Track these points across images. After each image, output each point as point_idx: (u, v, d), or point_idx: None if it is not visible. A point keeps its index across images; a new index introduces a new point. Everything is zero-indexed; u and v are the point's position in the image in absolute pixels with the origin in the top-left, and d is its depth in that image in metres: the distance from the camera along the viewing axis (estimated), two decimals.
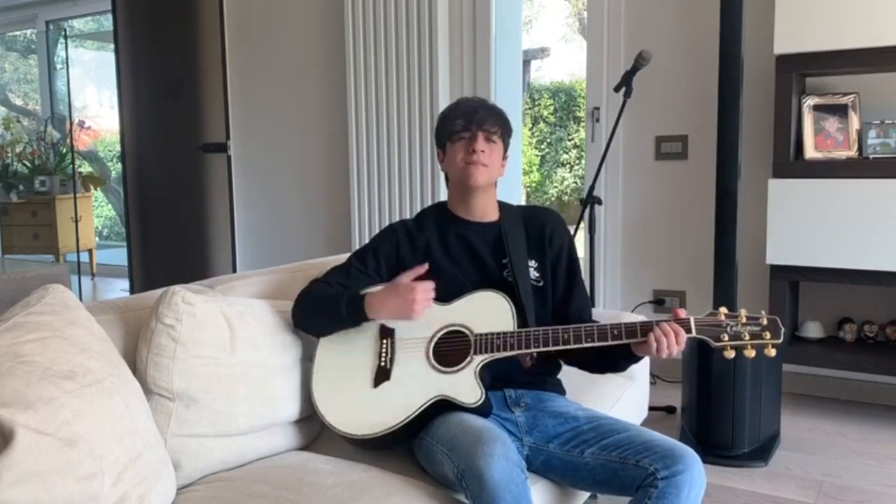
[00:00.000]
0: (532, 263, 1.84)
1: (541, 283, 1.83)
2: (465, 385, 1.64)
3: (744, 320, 1.61)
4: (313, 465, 1.65)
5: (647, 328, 1.61)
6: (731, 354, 1.61)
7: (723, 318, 1.62)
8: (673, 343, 1.59)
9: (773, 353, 1.59)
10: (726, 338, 1.60)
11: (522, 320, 1.75)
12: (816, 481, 2.51)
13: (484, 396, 1.62)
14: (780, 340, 1.59)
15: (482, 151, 1.77)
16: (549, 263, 1.85)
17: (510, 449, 1.48)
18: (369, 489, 1.50)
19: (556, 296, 1.86)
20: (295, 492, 1.49)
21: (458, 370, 1.66)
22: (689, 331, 1.61)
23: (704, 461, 2.60)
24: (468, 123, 1.78)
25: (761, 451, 2.67)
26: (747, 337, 1.60)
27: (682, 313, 1.63)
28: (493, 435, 1.50)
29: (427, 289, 1.68)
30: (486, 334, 1.67)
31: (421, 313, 1.67)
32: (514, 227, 1.85)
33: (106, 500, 1.27)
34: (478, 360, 1.66)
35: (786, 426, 2.93)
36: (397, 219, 2.56)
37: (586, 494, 1.80)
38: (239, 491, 1.52)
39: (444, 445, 1.55)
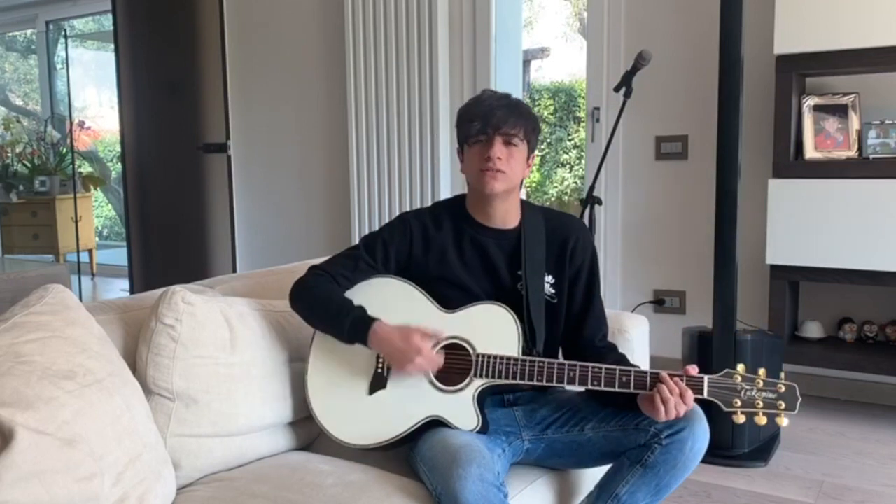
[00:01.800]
0: (549, 279, 1.74)
1: (555, 301, 1.74)
2: (462, 410, 1.60)
3: (760, 385, 1.53)
4: (313, 465, 1.65)
5: (657, 381, 1.53)
6: (740, 420, 1.54)
7: (738, 379, 1.54)
8: (681, 405, 1.51)
9: (783, 422, 1.53)
10: (738, 403, 1.53)
11: (531, 338, 1.69)
12: (816, 481, 2.51)
13: (480, 424, 1.59)
14: (795, 412, 1.52)
15: (499, 158, 1.64)
16: (566, 280, 1.75)
17: (486, 469, 1.45)
18: (369, 489, 1.50)
19: (571, 314, 1.76)
20: (295, 492, 1.49)
21: (457, 391, 1.61)
22: (700, 392, 1.53)
23: (704, 461, 2.61)
24: (485, 126, 1.64)
25: (761, 451, 2.67)
26: (760, 405, 1.53)
27: (694, 371, 1.55)
28: (470, 455, 1.46)
29: (431, 361, 1.59)
30: (489, 357, 1.60)
31: (408, 375, 1.60)
32: (534, 236, 1.74)
33: (106, 500, 1.27)
34: (477, 384, 1.61)
35: (786, 426, 2.92)
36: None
37: (587, 485, 1.79)
38: (239, 491, 1.52)
39: (426, 465, 1.53)
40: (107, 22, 6.93)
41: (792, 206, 2.92)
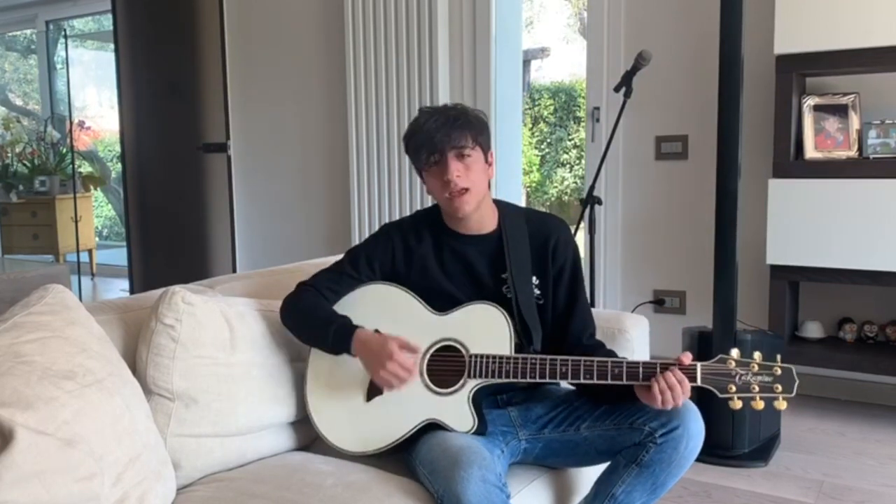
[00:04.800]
0: (534, 280, 1.74)
1: (542, 301, 1.75)
2: (457, 411, 1.60)
3: (755, 369, 1.51)
4: (313, 465, 1.65)
5: (649, 371, 1.54)
6: (737, 406, 1.52)
7: (732, 365, 1.52)
8: (679, 396, 1.51)
9: (782, 406, 1.51)
10: (733, 388, 1.51)
11: (527, 338, 1.69)
12: (816, 481, 2.51)
13: (476, 425, 1.59)
14: (793, 394, 1.50)
15: (458, 176, 1.63)
16: (550, 281, 1.75)
17: (488, 470, 1.45)
18: (369, 489, 1.50)
19: (555, 313, 1.76)
20: (295, 492, 1.49)
21: (451, 393, 1.62)
22: (693, 379, 1.53)
23: (704, 461, 2.61)
24: (432, 150, 1.64)
25: (761, 451, 2.67)
26: (756, 389, 1.50)
27: (688, 359, 1.54)
28: (471, 457, 1.46)
29: (402, 368, 1.56)
30: (482, 356, 1.61)
31: (382, 384, 1.59)
32: (516, 238, 1.74)
33: (106, 500, 1.27)
34: (471, 385, 1.61)
35: (786, 426, 2.93)
36: (397, 219, 2.47)
37: (586, 485, 1.79)
38: (239, 491, 1.52)
39: (426, 468, 1.53)
40: (107, 22, 6.93)
41: (792, 206, 2.92)
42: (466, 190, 1.65)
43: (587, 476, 1.80)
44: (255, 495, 1.49)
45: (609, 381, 1.56)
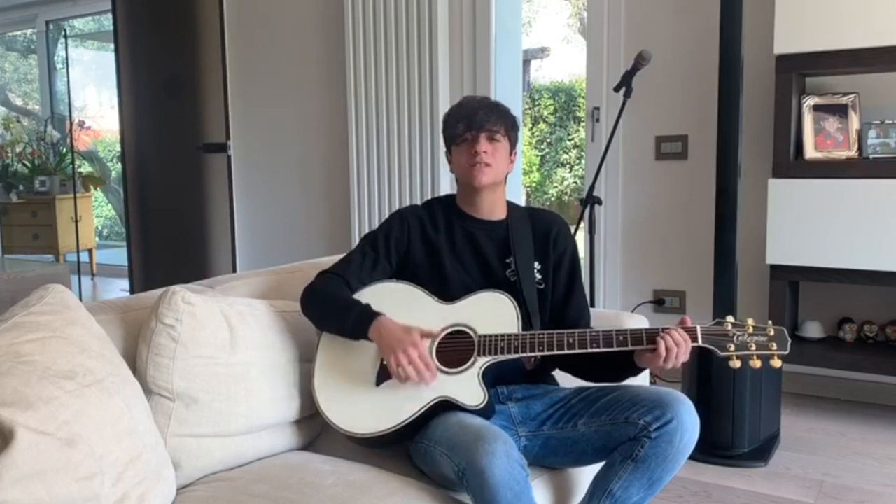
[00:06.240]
0: (535, 265, 1.84)
1: (542, 286, 1.84)
2: (467, 387, 1.64)
3: (750, 330, 1.61)
4: (313, 465, 1.65)
5: (652, 336, 1.61)
6: (736, 364, 1.61)
7: (729, 327, 1.62)
8: (682, 354, 1.59)
9: (778, 364, 1.59)
10: (732, 347, 1.60)
11: (527, 322, 1.75)
12: (816, 481, 2.51)
13: (486, 399, 1.62)
14: (787, 351, 1.60)
15: (485, 152, 1.78)
16: (551, 266, 1.86)
17: (511, 447, 1.49)
18: (369, 489, 1.50)
19: (554, 300, 1.86)
20: (295, 492, 1.50)
21: (461, 371, 1.65)
22: (694, 339, 1.61)
23: (704, 461, 2.61)
24: (469, 126, 1.79)
25: (761, 451, 2.67)
26: (753, 347, 1.60)
27: (689, 322, 1.63)
28: (495, 433, 1.50)
29: (425, 364, 1.60)
30: (490, 336, 1.67)
31: (398, 375, 1.61)
32: (521, 227, 1.85)
33: (106, 500, 1.27)
34: (481, 362, 1.65)
35: (786, 426, 2.93)
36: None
37: (584, 486, 1.79)
38: (239, 491, 1.52)
39: (443, 446, 1.55)
40: (107, 22, 6.93)
41: (792, 206, 2.92)
42: (489, 165, 1.79)
43: (586, 477, 1.80)
44: (255, 495, 1.49)
45: (615, 349, 1.62)
